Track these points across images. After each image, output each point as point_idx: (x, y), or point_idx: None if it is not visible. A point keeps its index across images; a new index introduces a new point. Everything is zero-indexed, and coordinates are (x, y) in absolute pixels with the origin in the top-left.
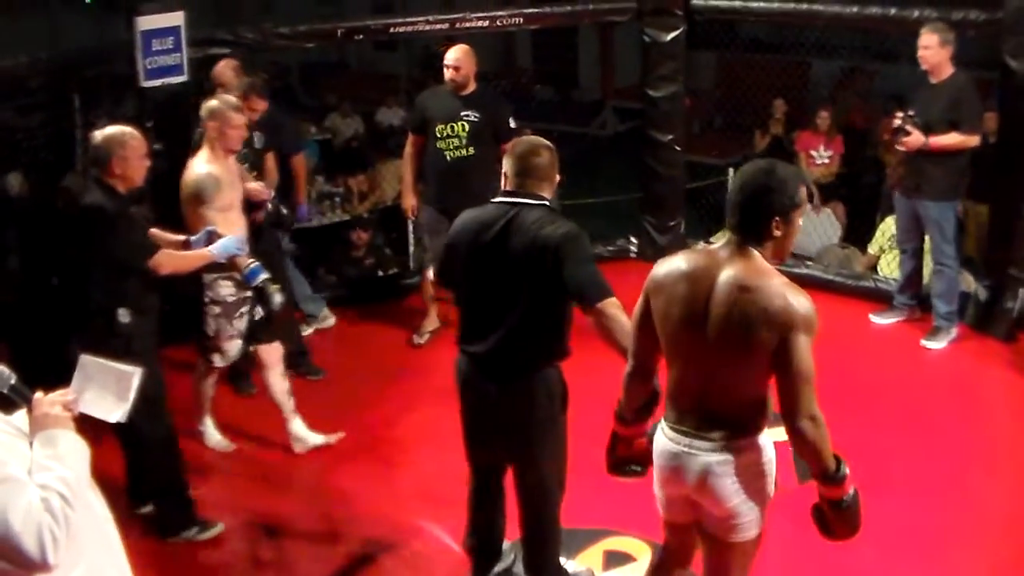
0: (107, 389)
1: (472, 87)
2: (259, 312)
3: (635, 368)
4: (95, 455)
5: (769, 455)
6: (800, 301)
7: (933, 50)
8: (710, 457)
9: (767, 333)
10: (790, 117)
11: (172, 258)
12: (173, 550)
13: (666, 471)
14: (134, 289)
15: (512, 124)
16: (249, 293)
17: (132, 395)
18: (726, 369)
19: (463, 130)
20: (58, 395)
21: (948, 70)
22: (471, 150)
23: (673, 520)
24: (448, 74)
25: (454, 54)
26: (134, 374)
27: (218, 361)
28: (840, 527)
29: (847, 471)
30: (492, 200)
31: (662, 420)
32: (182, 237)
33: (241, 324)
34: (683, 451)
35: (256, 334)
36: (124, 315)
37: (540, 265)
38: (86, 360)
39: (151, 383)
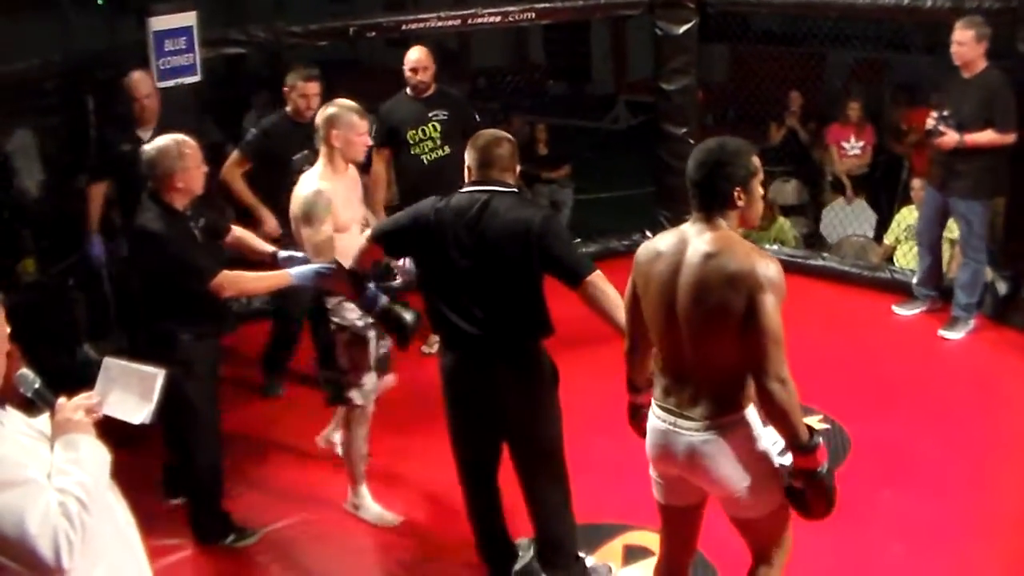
0: (130, 391)
1: (432, 88)
2: (384, 345)
3: (632, 347)
4: (124, 456)
5: (759, 429)
6: (766, 263)
7: (968, 46)
8: (694, 436)
9: (733, 294)
10: (805, 109)
11: (238, 280)
12: (199, 551)
13: (656, 449)
14: (195, 311)
15: (476, 118)
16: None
17: (156, 396)
18: (700, 340)
19: (435, 131)
20: (82, 399)
21: (981, 65)
22: (446, 149)
23: (670, 503)
24: (413, 77)
25: (417, 55)
26: (158, 375)
27: (358, 399)
28: (816, 501)
29: (819, 442)
30: (460, 190)
31: (653, 398)
32: (271, 248)
33: (376, 352)
34: (669, 429)
35: (380, 367)
36: (186, 338)
37: (519, 247)
38: (110, 363)
39: (209, 409)
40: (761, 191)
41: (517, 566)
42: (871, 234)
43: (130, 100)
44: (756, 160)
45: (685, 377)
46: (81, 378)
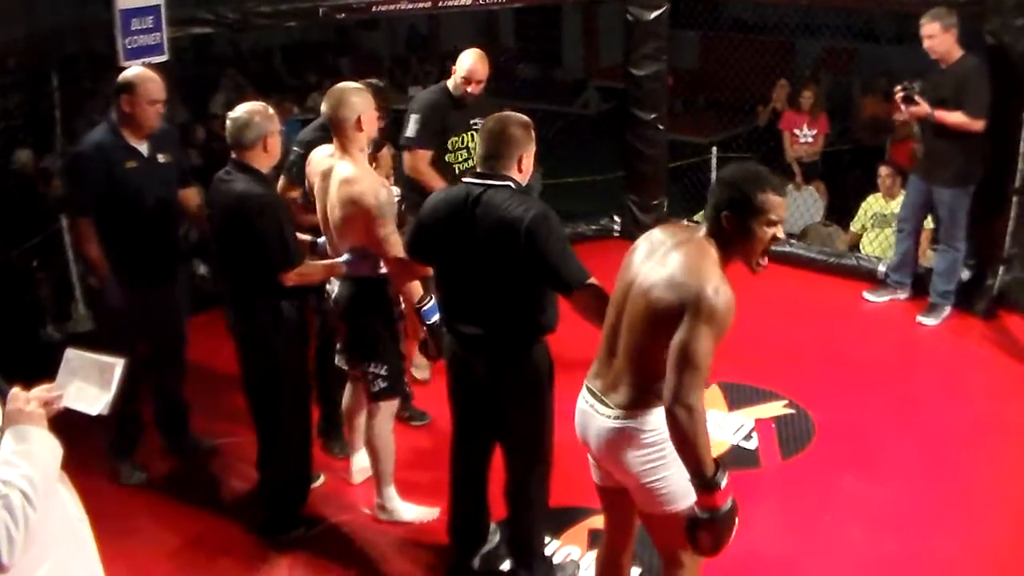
0: (90, 381)
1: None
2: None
3: None
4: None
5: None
6: (718, 290)
7: (938, 37)
8: (606, 423)
9: (673, 302)
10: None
11: (306, 271)
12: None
13: (578, 428)
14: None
15: None
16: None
17: (115, 386)
18: (632, 332)
19: (472, 140)
20: (41, 390)
21: (957, 53)
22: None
23: (599, 483)
24: (463, 86)
25: (473, 62)
26: (116, 365)
27: (422, 373)
28: (704, 537)
29: (723, 482)
30: (462, 180)
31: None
32: (308, 238)
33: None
34: (587, 410)
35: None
36: (288, 308)
37: (510, 247)
38: (71, 354)
39: (303, 378)
40: (768, 232)
41: (484, 549)
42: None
43: (128, 104)
44: (766, 199)
45: (612, 362)
46: (44, 360)
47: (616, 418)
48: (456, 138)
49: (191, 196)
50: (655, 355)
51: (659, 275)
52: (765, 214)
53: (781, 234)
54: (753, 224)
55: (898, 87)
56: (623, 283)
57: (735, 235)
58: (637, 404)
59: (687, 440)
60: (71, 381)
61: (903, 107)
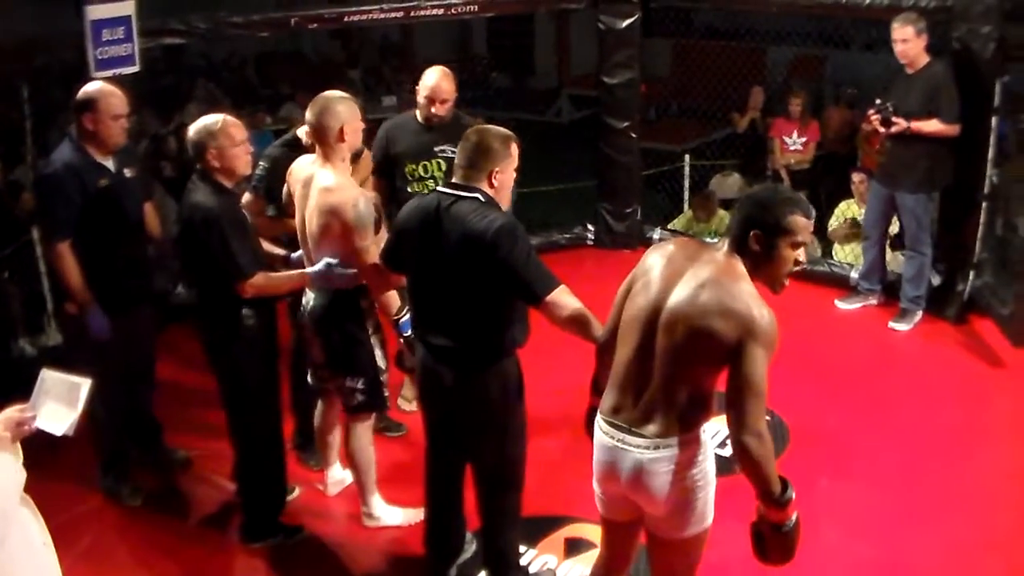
0: (60, 401)
1: (448, 117)
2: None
3: (606, 344)
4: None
5: (706, 451)
6: (764, 313)
7: (912, 42)
8: (643, 454)
9: (724, 327)
10: (743, 103)
11: (267, 283)
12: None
13: (601, 467)
14: None
15: None
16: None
17: (81, 406)
18: (674, 361)
19: (439, 169)
20: (14, 411)
21: (924, 59)
22: None
23: (612, 518)
24: (427, 107)
25: (436, 80)
26: (83, 385)
27: (384, 403)
28: (775, 552)
29: (792, 495)
30: (435, 189)
31: (598, 411)
32: (282, 252)
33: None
34: (617, 446)
35: None
36: (249, 316)
37: (477, 259)
38: (46, 375)
39: (272, 392)
40: (793, 254)
41: (461, 559)
42: None
43: (92, 121)
44: (794, 220)
45: (645, 393)
46: (15, 374)
47: (655, 448)
48: (414, 165)
49: (150, 210)
50: (697, 382)
51: (703, 302)
52: (792, 235)
53: (803, 257)
54: (780, 245)
55: (872, 111)
56: (646, 305)
57: (764, 258)
58: (672, 431)
59: (760, 465)
60: (44, 402)
61: (881, 129)
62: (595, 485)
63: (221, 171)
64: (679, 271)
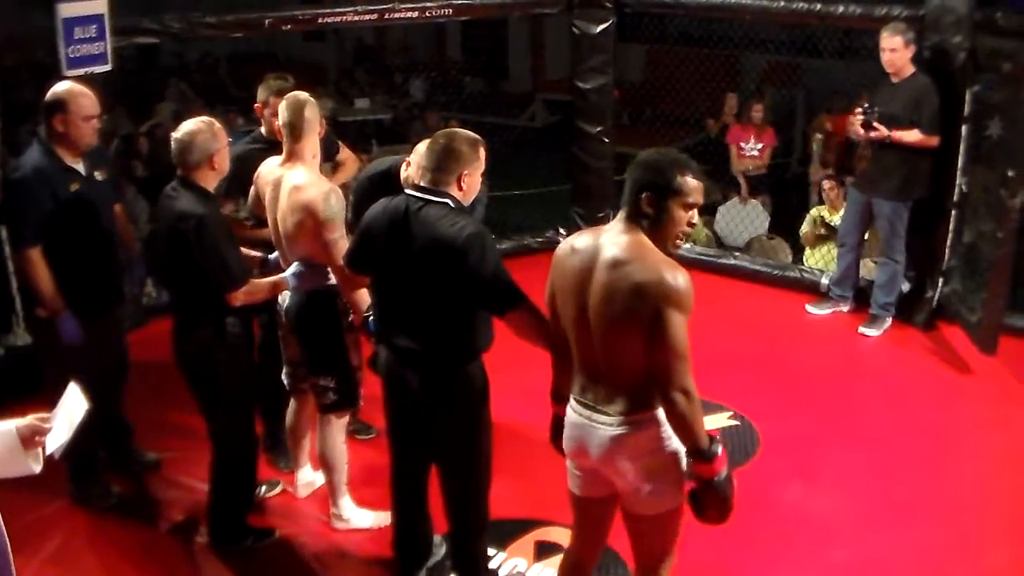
0: (64, 422)
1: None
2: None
3: (557, 353)
4: None
5: (669, 430)
6: (674, 274)
7: (900, 51)
8: (609, 431)
9: (640, 303)
10: (716, 109)
11: (254, 289)
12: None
13: (572, 443)
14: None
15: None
16: None
17: (73, 431)
18: (609, 344)
19: None
20: (35, 419)
21: (910, 69)
22: None
23: (586, 495)
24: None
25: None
26: (83, 409)
27: (357, 402)
28: (710, 508)
29: (719, 451)
30: (404, 192)
31: (571, 392)
32: (258, 254)
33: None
34: (585, 423)
35: None
36: (234, 324)
37: (444, 266)
38: (71, 391)
39: (248, 391)
40: (685, 216)
41: (429, 563)
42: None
43: (62, 123)
44: (684, 181)
45: (598, 376)
46: None
47: (620, 424)
48: None
49: (120, 213)
50: (640, 359)
51: (617, 286)
52: (684, 196)
53: (696, 219)
54: (672, 207)
55: (858, 111)
56: (575, 301)
57: (658, 220)
58: (636, 408)
59: (686, 420)
60: (58, 415)
61: (861, 131)
62: (568, 463)
63: (215, 175)
64: (589, 260)
